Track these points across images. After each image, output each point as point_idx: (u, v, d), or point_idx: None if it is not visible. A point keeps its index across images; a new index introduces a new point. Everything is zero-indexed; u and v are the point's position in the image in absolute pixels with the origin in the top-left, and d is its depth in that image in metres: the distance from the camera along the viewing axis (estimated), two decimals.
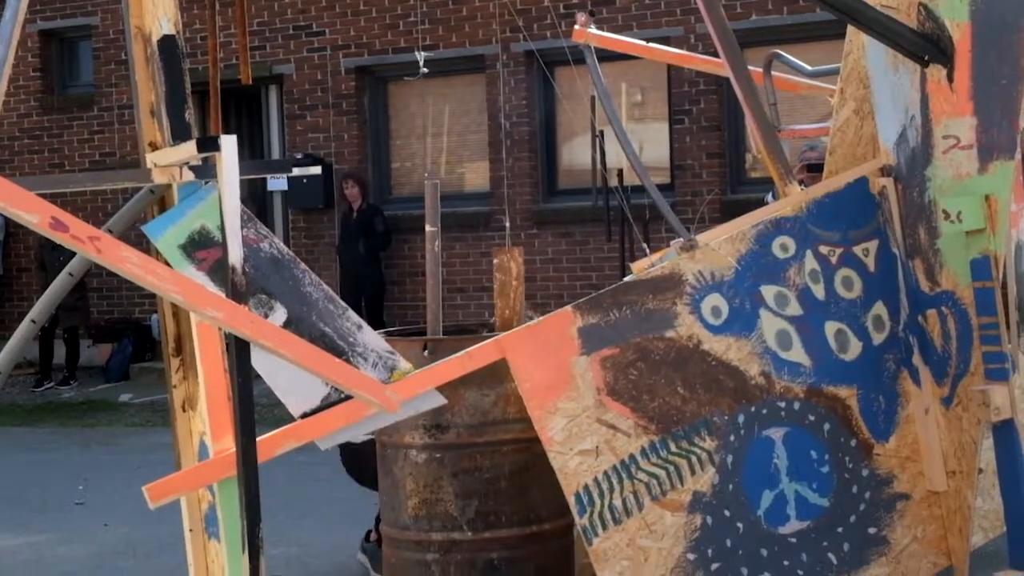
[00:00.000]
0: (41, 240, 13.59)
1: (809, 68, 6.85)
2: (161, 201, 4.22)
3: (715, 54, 5.99)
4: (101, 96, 16.11)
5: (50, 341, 14.24)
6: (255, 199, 15.23)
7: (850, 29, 5.50)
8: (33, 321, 4.26)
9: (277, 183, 15.05)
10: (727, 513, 5.02)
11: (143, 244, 4.07)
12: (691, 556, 4.95)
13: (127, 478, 8.52)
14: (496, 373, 4.86)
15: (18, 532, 7.59)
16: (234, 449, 3.75)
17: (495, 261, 5.36)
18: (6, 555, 7.14)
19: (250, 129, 15.86)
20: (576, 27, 6.96)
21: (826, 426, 5.22)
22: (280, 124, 15.65)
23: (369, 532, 5.88)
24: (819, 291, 5.27)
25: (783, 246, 5.25)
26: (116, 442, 10.90)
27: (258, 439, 3.81)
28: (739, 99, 5.67)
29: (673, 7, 13.59)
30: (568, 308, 4.99)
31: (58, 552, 7.14)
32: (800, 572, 5.13)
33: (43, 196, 3.45)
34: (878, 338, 5.36)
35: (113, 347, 14.63)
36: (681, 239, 5.24)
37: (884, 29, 5.01)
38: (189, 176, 3.93)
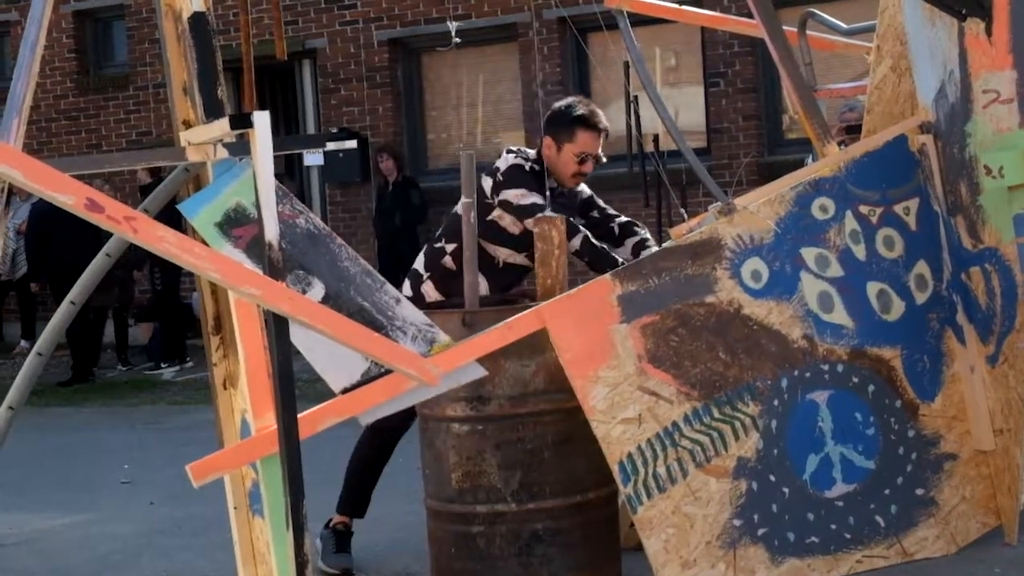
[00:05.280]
0: None
1: (845, 26, 6.78)
2: (196, 179, 4.22)
3: (749, 15, 5.94)
4: (136, 75, 16.14)
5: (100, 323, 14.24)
6: (292, 175, 15.26)
7: None
8: (72, 303, 4.27)
9: (314, 158, 15.04)
10: (772, 478, 4.99)
11: (180, 224, 4.07)
12: (737, 522, 4.93)
13: (172, 456, 8.55)
14: (536, 343, 4.84)
15: (65, 511, 7.63)
16: (276, 426, 3.75)
17: (536, 230, 5.30)
18: (54, 534, 7.19)
19: (284, 105, 15.86)
20: None
21: (870, 388, 5.18)
22: (314, 99, 15.63)
23: (330, 520, 5.92)
24: (860, 252, 5.22)
25: (823, 207, 5.21)
26: (160, 420, 10.94)
27: (299, 415, 3.81)
28: (774, 60, 5.62)
29: None
30: (607, 276, 4.97)
31: (105, 531, 7.17)
32: (847, 536, 5.11)
33: (80, 177, 3.46)
34: (921, 297, 5.31)
35: (155, 326, 14.66)
36: (719, 203, 5.19)
37: None
38: (223, 153, 3.92)
